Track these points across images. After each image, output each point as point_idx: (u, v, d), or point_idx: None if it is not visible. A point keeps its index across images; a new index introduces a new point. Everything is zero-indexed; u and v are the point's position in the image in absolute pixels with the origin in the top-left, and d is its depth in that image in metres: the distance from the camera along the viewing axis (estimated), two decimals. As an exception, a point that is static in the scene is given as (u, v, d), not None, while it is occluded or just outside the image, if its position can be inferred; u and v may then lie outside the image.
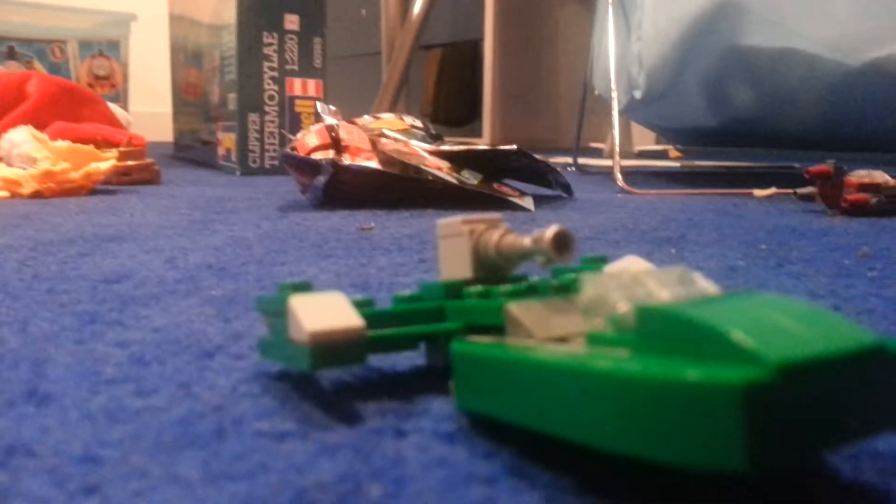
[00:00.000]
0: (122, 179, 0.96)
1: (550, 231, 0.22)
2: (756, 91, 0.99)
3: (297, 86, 1.32)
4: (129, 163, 0.98)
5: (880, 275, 0.42)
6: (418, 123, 0.93)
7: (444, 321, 0.24)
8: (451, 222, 0.25)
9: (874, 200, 0.70)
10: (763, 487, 0.17)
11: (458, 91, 2.66)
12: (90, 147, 0.88)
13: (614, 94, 0.99)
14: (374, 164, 0.75)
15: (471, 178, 0.76)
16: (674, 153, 1.89)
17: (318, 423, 0.21)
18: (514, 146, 0.79)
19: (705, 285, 0.19)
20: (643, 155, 1.88)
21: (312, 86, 1.34)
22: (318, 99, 1.34)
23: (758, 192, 0.93)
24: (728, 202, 0.85)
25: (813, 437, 0.14)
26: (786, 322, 0.15)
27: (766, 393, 0.13)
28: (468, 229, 0.25)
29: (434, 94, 2.67)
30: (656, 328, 0.16)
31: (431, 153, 0.78)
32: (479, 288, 0.24)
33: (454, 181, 0.75)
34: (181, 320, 0.32)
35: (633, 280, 0.19)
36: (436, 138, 0.92)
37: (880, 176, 0.73)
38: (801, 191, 0.76)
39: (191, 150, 1.59)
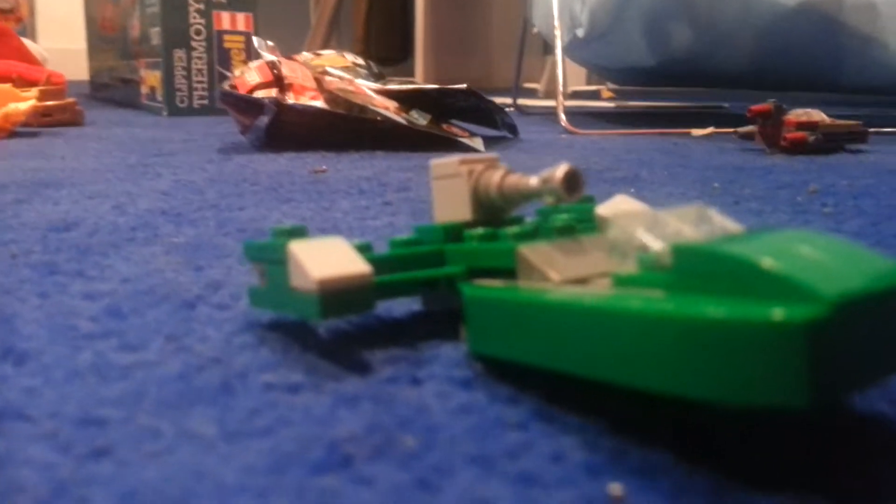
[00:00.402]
0: (43, 121, 0.90)
1: (561, 170, 0.21)
2: (694, 30, 1.00)
3: (225, 19, 1.26)
4: (50, 103, 0.92)
5: (835, 210, 0.44)
6: (360, 61, 0.90)
7: (443, 265, 0.24)
8: (447, 162, 0.25)
9: (812, 138, 0.73)
10: (783, 421, 0.17)
11: (388, 29, 2.60)
12: (7, 86, 0.81)
13: (557, 33, 0.98)
14: (319, 103, 0.73)
15: (420, 119, 0.75)
16: (606, 93, 1.90)
17: (327, 374, 0.20)
18: (464, 85, 0.77)
19: (727, 223, 0.19)
20: (576, 95, 1.88)
21: (242, 19, 1.27)
22: (249, 34, 1.28)
23: (696, 132, 0.94)
24: (669, 142, 0.86)
25: (860, 370, 0.14)
26: (824, 258, 0.15)
27: (826, 329, 0.13)
28: (466, 170, 0.24)
29: (364, 32, 2.60)
30: (695, 267, 0.16)
31: (378, 92, 0.76)
32: (481, 231, 0.23)
33: (403, 122, 0.73)
34: (149, 269, 0.30)
35: (657, 219, 0.18)
36: (378, 77, 0.90)
37: (817, 115, 0.75)
38: (741, 130, 0.77)
39: (109, 89, 1.51)
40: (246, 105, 0.72)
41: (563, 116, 0.95)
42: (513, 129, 0.88)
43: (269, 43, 0.85)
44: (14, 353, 0.21)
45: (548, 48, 2.68)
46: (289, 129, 0.73)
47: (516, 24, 2.61)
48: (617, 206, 0.26)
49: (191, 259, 0.32)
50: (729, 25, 0.98)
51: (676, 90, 1.34)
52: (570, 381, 0.18)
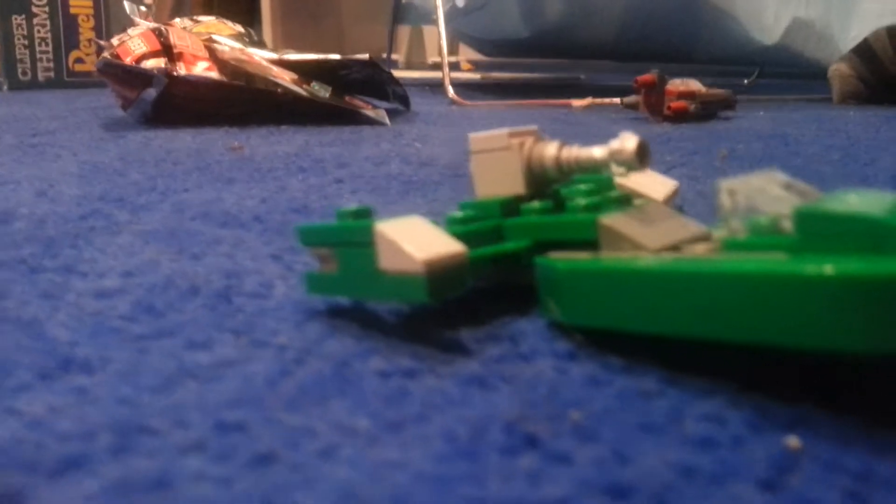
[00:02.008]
0: None
1: (632, 141, 0.22)
2: (565, 2, 1.04)
3: (69, -17, 1.15)
4: None
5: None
6: (240, 28, 0.86)
7: (502, 241, 0.24)
8: (493, 136, 0.25)
9: (692, 107, 0.78)
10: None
11: (231, -6, 2.47)
12: None
13: (439, 2, 0.98)
14: (214, 74, 0.68)
15: (321, 91, 0.73)
16: (465, 65, 1.93)
17: (431, 358, 0.20)
18: (366, 56, 0.76)
19: (806, 187, 0.20)
20: (437, 67, 1.90)
21: (88, -17, 1.17)
22: None
23: (576, 103, 0.99)
24: (556, 112, 0.89)
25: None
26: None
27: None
28: (518, 142, 0.24)
29: (204, -3, 2.45)
30: (820, 229, 0.17)
31: (276, 63, 0.73)
32: (538, 204, 0.23)
33: (305, 94, 0.71)
34: (143, 261, 0.27)
35: (755, 187, 0.20)
36: (260, 45, 0.86)
37: (694, 84, 0.81)
38: (626, 99, 0.82)
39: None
40: (131, 76, 0.67)
41: (450, 88, 0.95)
42: (405, 101, 0.87)
43: (142, 7, 0.79)
44: (75, 362, 0.19)
45: (399, 18, 2.67)
46: (178, 103, 0.69)
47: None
48: (635, 179, 0.27)
49: (178, 248, 0.29)
50: (599, -1, 1.02)
51: (538, 62, 1.39)
52: (670, 345, 0.18)
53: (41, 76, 1.12)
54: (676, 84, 0.80)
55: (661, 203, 0.23)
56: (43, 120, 0.72)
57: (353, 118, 0.73)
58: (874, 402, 0.17)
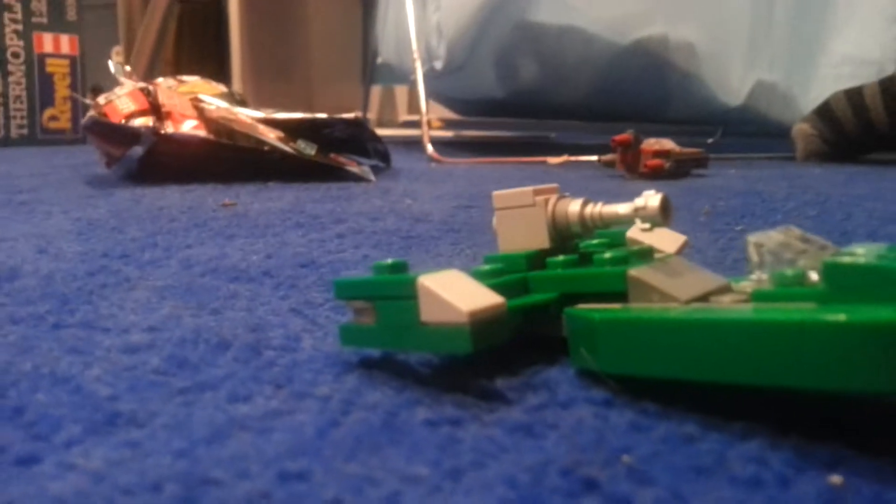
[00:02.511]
0: None
1: (657, 198, 0.23)
2: (541, 65, 1.07)
3: (47, 42, 1.15)
4: None
5: (748, 227, 0.50)
6: (224, 88, 0.87)
7: (528, 293, 0.24)
8: (518, 193, 0.25)
9: (667, 165, 0.81)
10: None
11: (201, 53, 2.50)
12: None
13: (418, 65, 1.01)
14: (201, 132, 0.69)
15: (307, 149, 0.74)
16: (435, 123, 1.97)
17: (476, 406, 0.20)
18: (353, 114, 0.77)
19: (821, 240, 0.21)
20: (407, 125, 1.93)
21: (66, 42, 1.18)
22: (75, 57, 1.19)
23: (551, 160, 1.01)
24: (533, 170, 0.92)
25: None
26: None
27: None
28: (543, 199, 0.25)
29: (174, 55, 2.48)
30: (847, 281, 0.18)
31: (262, 121, 0.74)
32: (562, 258, 0.24)
33: (291, 151, 0.72)
34: (163, 316, 0.28)
35: (779, 241, 0.21)
36: (242, 104, 0.87)
37: (668, 143, 0.84)
38: (604, 158, 0.84)
39: None
40: (118, 134, 0.67)
41: (429, 145, 0.97)
42: (386, 158, 0.89)
43: (127, 67, 0.80)
44: (122, 416, 0.19)
45: (371, 77, 2.72)
46: (166, 161, 0.69)
47: (336, 51, 2.63)
48: (646, 233, 0.28)
49: (196, 303, 0.30)
50: (572, 61, 1.06)
51: (507, 121, 1.42)
52: (703, 391, 0.19)
53: (14, 133, 1.11)
54: (651, 143, 0.83)
55: (678, 257, 0.24)
56: (23, 177, 0.71)
57: (338, 175, 0.74)
58: (905, 443, 0.18)
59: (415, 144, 1.16)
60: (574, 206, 0.25)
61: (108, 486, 0.15)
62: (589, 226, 0.25)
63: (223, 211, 0.53)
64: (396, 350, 0.23)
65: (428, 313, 0.20)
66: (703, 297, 0.21)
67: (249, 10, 2.31)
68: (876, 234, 0.48)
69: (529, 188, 0.25)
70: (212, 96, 0.78)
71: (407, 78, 1.16)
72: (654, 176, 0.81)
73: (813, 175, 0.89)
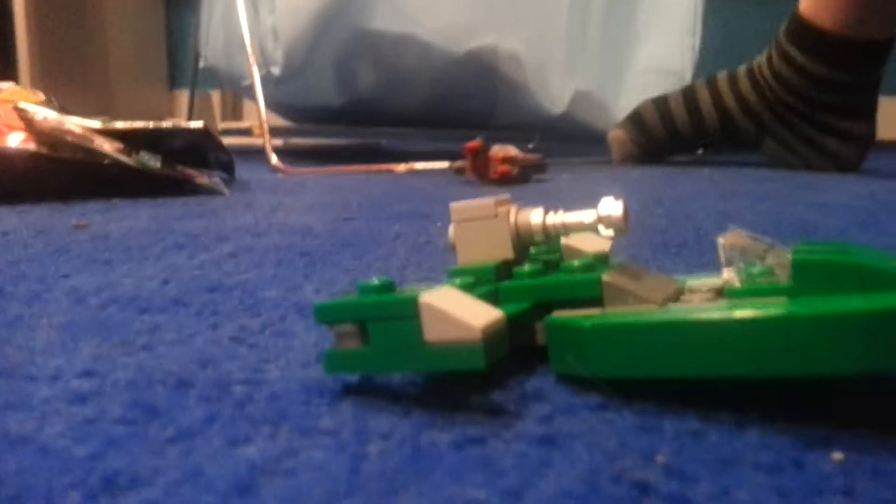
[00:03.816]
0: None
1: (619, 206, 0.24)
2: (377, 73, 1.08)
3: None
4: None
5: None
6: (42, 96, 0.79)
7: (499, 303, 0.25)
8: (478, 204, 0.26)
9: (514, 171, 0.85)
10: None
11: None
12: None
13: (255, 69, 0.97)
14: (31, 146, 0.62)
15: (151, 161, 0.68)
16: (258, 131, 1.90)
17: (489, 423, 0.20)
18: (200, 123, 0.73)
19: (768, 239, 0.24)
20: (228, 132, 1.85)
21: None
22: None
23: (397, 168, 1.02)
24: (384, 178, 0.92)
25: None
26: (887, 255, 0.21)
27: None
28: (505, 210, 0.25)
29: (-56, 58, 2.19)
30: (814, 276, 0.20)
31: (99, 132, 0.67)
32: (531, 267, 0.25)
33: (134, 164, 0.66)
34: (90, 358, 0.25)
35: (744, 242, 0.23)
36: (64, 112, 0.79)
37: (512, 150, 0.88)
38: (455, 164, 0.86)
39: None
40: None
41: (273, 155, 0.94)
42: (229, 169, 0.85)
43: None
44: (120, 476, 0.17)
45: (175, 82, 2.57)
46: (-15, 178, 0.61)
47: (135, 55, 2.46)
48: (581, 239, 0.30)
49: (118, 340, 0.27)
50: (408, 69, 1.08)
51: (334, 128, 1.41)
52: (692, 387, 0.21)
53: None
54: (497, 150, 0.86)
55: (627, 260, 0.26)
56: None
57: (187, 189, 0.70)
58: (883, 417, 0.21)
59: (248, 153, 1.11)
60: (536, 216, 0.25)
61: (161, 556, 0.14)
62: (551, 235, 0.25)
63: (79, 233, 0.48)
64: (393, 373, 0.23)
65: (433, 332, 0.20)
66: (675, 298, 0.23)
67: (38, 12, 2.10)
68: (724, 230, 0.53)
69: (489, 199, 0.26)
70: (37, 104, 0.70)
71: (238, 83, 1.11)
72: (504, 181, 0.84)
73: (634, 177, 0.97)
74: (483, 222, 0.26)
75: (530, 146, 1.60)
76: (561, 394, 0.22)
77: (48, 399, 0.21)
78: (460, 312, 0.20)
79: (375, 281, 0.22)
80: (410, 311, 0.20)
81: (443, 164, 0.93)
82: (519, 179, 0.85)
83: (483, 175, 0.84)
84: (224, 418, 0.20)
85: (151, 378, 0.23)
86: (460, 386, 0.23)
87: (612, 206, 0.24)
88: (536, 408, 0.21)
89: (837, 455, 0.18)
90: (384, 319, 0.21)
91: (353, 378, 0.23)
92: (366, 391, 0.22)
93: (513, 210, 0.26)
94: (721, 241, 0.23)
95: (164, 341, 0.27)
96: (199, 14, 1.18)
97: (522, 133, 1.37)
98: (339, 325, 0.22)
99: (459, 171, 0.86)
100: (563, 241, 0.29)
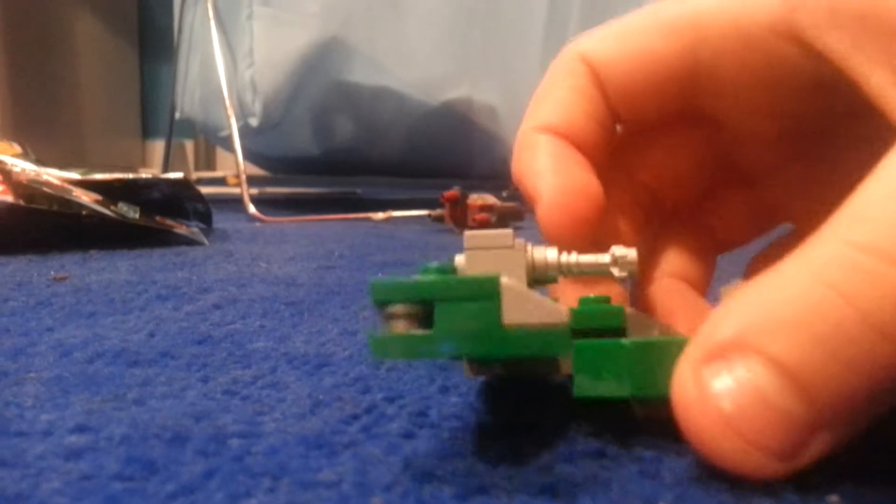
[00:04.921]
0: None
1: (633, 249, 0.25)
2: (356, 123, 1.09)
3: None
4: None
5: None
6: (19, 148, 0.78)
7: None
8: (495, 234, 0.25)
9: (493, 219, 0.86)
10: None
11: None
12: None
13: (233, 121, 0.98)
14: (8, 198, 0.61)
15: (130, 212, 0.68)
16: (232, 180, 1.90)
17: (487, 476, 0.20)
18: (181, 174, 0.73)
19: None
20: (202, 182, 1.85)
21: None
22: None
23: (376, 217, 1.02)
24: (363, 226, 0.92)
25: None
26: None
27: None
28: (522, 242, 0.26)
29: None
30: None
31: (77, 184, 0.67)
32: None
33: (113, 215, 0.66)
34: (81, 412, 0.24)
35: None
36: (41, 164, 0.79)
37: (490, 198, 0.89)
38: (433, 213, 0.87)
39: None
40: None
41: (251, 204, 0.94)
42: (207, 219, 0.84)
43: None
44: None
45: (148, 132, 2.57)
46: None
47: (108, 105, 2.46)
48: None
49: (109, 394, 0.26)
50: (386, 120, 1.09)
51: (312, 177, 1.42)
52: None
53: None
54: (475, 198, 0.88)
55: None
56: None
57: (165, 239, 0.70)
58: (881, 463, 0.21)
59: (224, 202, 1.11)
60: (552, 253, 0.26)
61: None
62: (564, 272, 0.26)
63: (59, 286, 0.47)
64: (458, 357, 0.22)
65: (516, 315, 0.20)
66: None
67: (9, 60, 2.10)
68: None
69: (508, 230, 0.26)
70: (13, 157, 0.70)
71: (214, 134, 1.12)
72: (482, 229, 0.85)
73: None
74: (498, 252, 0.25)
75: (504, 194, 1.62)
76: (558, 441, 0.22)
77: (42, 455, 0.21)
78: (542, 296, 0.20)
79: (435, 264, 0.21)
80: (489, 292, 0.19)
81: (421, 213, 0.94)
82: (497, 227, 0.86)
83: (460, 223, 0.85)
84: (223, 472, 0.20)
85: (146, 433, 0.22)
86: (456, 433, 0.23)
87: (626, 249, 0.25)
88: (535, 456, 0.21)
89: (834, 497, 0.19)
90: (456, 300, 0.19)
91: (353, 428, 0.23)
92: (362, 442, 0.22)
93: (528, 244, 0.26)
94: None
95: (155, 395, 0.26)
96: (174, 64, 1.19)
97: (500, 182, 1.39)
98: (396, 305, 0.20)
99: (438, 219, 0.87)
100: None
